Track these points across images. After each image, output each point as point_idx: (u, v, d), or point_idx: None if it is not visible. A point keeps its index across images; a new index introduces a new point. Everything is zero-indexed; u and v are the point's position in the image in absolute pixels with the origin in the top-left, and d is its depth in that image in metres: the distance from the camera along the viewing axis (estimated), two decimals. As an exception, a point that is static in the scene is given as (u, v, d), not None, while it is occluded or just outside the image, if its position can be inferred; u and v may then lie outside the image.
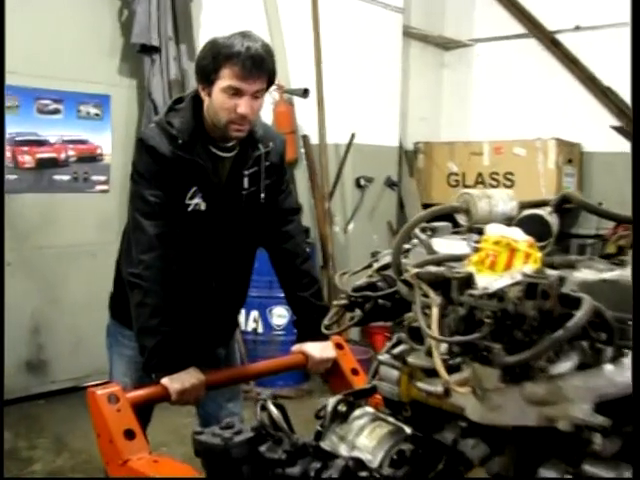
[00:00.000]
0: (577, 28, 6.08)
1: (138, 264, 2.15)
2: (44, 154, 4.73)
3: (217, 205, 2.27)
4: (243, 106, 2.12)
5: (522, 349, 1.06)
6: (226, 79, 2.11)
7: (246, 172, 2.29)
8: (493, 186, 6.03)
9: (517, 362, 1.05)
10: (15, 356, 4.65)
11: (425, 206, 6.18)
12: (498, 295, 1.08)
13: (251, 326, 5.10)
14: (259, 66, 2.11)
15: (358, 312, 1.41)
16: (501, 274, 1.11)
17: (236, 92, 2.12)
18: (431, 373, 1.21)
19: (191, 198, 2.22)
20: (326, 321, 1.45)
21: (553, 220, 1.35)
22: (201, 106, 2.24)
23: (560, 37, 6.17)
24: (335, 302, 1.43)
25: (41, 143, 4.72)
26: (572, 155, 5.95)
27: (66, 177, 4.85)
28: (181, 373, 2.07)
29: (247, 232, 2.40)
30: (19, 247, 4.65)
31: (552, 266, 1.26)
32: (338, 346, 2.36)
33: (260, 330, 5.10)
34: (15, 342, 4.59)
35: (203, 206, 2.24)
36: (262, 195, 2.33)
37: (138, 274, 2.14)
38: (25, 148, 4.64)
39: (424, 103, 6.61)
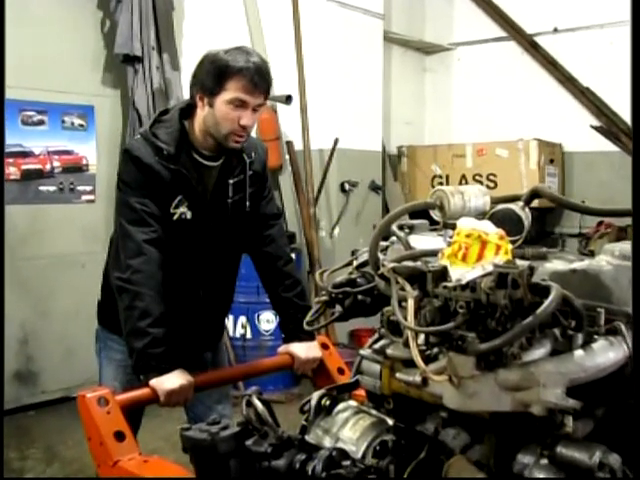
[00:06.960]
0: (555, 30, 6.16)
1: (126, 269, 2.18)
2: (29, 165, 4.77)
3: (203, 214, 2.32)
4: (246, 118, 2.21)
5: (495, 337, 1.10)
6: (232, 91, 2.18)
7: (231, 181, 2.35)
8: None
9: (489, 349, 1.09)
10: (5, 367, 4.64)
11: (410, 209, 6.22)
12: (470, 286, 1.13)
13: (239, 332, 5.13)
14: (264, 80, 2.21)
15: (339, 308, 1.45)
16: (473, 266, 1.15)
17: (241, 104, 2.19)
18: (410, 364, 1.25)
19: (176, 207, 2.27)
20: (308, 317, 1.49)
21: (525, 214, 1.39)
22: (187, 117, 2.30)
23: (539, 39, 6.24)
24: (316, 299, 1.47)
25: (26, 154, 4.75)
26: (554, 155, 6.01)
27: (52, 188, 4.89)
28: (169, 375, 2.10)
29: (233, 240, 2.45)
30: (6, 258, 4.63)
31: (524, 257, 1.31)
32: (324, 346, 2.41)
33: (248, 336, 5.14)
34: (4, 353, 4.60)
35: (189, 215, 2.29)
36: (247, 203, 2.39)
37: (126, 278, 2.18)
38: (10, 160, 4.66)
39: (407, 107, 6.67)
